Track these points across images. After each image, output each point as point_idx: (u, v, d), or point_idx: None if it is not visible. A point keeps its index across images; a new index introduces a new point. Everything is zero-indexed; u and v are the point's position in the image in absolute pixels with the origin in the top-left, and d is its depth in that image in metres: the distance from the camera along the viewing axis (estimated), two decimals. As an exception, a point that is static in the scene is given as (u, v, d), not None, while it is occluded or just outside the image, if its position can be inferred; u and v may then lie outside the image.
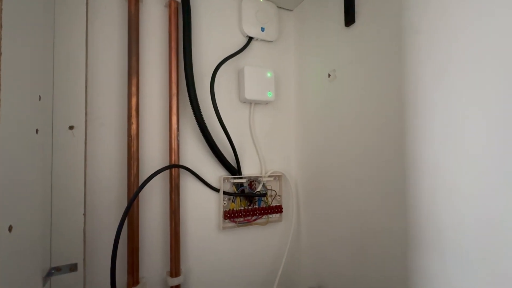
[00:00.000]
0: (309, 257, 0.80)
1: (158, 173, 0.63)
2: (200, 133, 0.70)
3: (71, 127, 0.58)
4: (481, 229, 0.39)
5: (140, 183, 0.61)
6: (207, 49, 0.76)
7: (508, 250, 0.36)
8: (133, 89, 0.63)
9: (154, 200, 0.68)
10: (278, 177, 0.83)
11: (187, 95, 0.68)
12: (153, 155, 0.68)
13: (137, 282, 0.62)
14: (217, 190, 0.75)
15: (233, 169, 0.76)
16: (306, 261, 0.81)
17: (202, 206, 0.74)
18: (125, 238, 0.62)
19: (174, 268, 0.66)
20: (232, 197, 0.76)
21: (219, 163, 0.75)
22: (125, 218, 0.56)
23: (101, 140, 0.63)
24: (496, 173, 0.38)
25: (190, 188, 0.72)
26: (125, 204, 0.63)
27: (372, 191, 0.58)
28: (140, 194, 0.65)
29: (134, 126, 0.62)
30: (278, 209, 0.81)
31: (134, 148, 0.62)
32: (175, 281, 0.65)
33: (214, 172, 0.75)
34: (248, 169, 0.80)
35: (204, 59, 0.75)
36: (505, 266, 0.37)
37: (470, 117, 0.41)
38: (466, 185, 0.41)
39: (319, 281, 0.75)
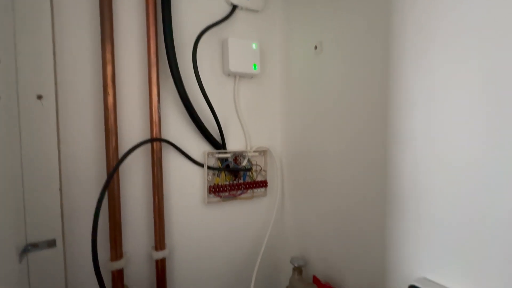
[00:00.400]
0: (293, 229, 0.83)
1: (139, 147, 0.60)
2: (183, 106, 0.68)
3: (39, 97, 0.54)
4: (454, 199, 0.42)
5: (119, 157, 0.59)
6: (188, 17, 0.71)
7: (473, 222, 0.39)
8: (108, 56, 0.58)
9: (135, 175, 0.66)
10: (263, 152, 0.83)
11: (168, 66, 0.65)
12: (132, 129, 0.65)
13: (120, 256, 0.61)
14: (201, 165, 0.73)
15: (218, 144, 0.74)
16: (290, 234, 0.84)
17: (186, 181, 0.73)
18: (107, 213, 0.60)
19: (159, 242, 0.66)
20: (217, 172, 0.75)
21: (203, 138, 0.73)
22: (105, 192, 0.54)
23: (74, 111, 0.59)
24: (474, 145, 0.39)
25: (173, 163, 0.71)
26: (104, 179, 0.61)
27: (355, 165, 0.59)
28: (121, 169, 0.63)
29: (110, 97, 0.59)
30: (263, 184, 0.81)
31: (111, 121, 0.59)
32: (160, 254, 0.65)
33: (198, 147, 0.74)
34: (233, 144, 0.79)
35: (185, 28, 0.71)
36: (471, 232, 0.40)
37: (453, 86, 0.42)
38: (445, 156, 0.43)
39: (302, 251, 0.78)
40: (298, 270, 0.72)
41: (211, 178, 0.75)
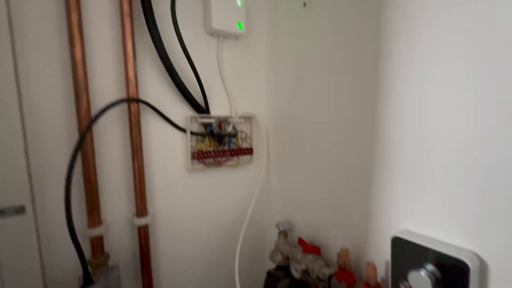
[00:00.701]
0: (279, 196, 0.83)
1: (113, 106, 0.55)
2: (162, 65, 0.62)
3: (-8, 44, 0.47)
4: (432, 151, 0.42)
5: (92, 117, 0.54)
6: (165, -36, 0.64)
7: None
8: (72, 1, 0.51)
9: (112, 138, 0.61)
10: (248, 118, 0.80)
11: (144, 18, 0.58)
12: (106, 87, 0.59)
13: (99, 223, 0.58)
14: (183, 130, 0.70)
15: (201, 108, 0.71)
16: (275, 200, 0.84)
17: (168, 146, 0.69)
18: (82, 177, 0.56)
19: (140, 208, 0.63)
20: (200, 137, 0.72)
21: (185, 101, 0.69)
22: (77, 153, 0.49)
23: (38, 63, 0.52)
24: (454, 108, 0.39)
25: (153, 127, 0.66)
26: (77, 140, 0.56)
27: (342, 127, 0.58)
28: (96, 131, 0.58)
29: (78, 49, 0.52)
30: (249, 151, 0.79)
31: (81, 76, 0.53)
32: (142, 221, 0.63)
33: (179, 111, 0.69)
34: (217, 109, 0.75)
35: (162, -24, 0.64)
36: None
37: (439, 46, 0.40)
38: (428, 117, 0.42)
39: (288, 217, 0.79)
40: (283, 234, 0.73)
41: (194, 144, 0.72)
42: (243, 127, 0.80)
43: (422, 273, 0.40)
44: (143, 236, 0.64)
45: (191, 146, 0.70)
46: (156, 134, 0.67)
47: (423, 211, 0.44)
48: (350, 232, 0.58)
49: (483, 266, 0.37)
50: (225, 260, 0.81)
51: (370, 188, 0.53)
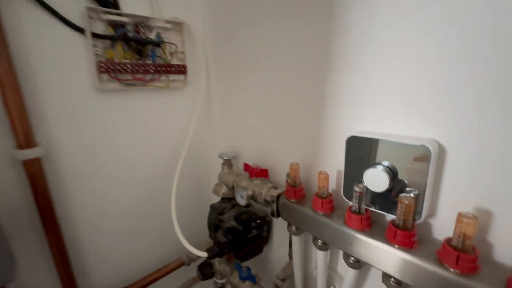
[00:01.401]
0: (222, 123, 0.71)
1: None
2: None
3: None
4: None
5: None
6: None
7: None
8: None
9: None
10: (178, 26, 0.62)
11: None
12: None
13: None
14: (80, 31, 0.50)
15: (105, 0, 0.50)
16: (218, 128, 0.73)
17: (59, 53, 0.49)
18: None
19: (23, 137, 0.45)
20: (108, 42, 0.53)
21: (76, -17, 0.47)
22: None
23: None
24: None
25: (31, 23, 0.45)
26: None
27: (295, 34, 0.47)
28: None
29: None
30: (181, 69, 0.63)
31: None
32: (27, 153, 0.45)
33: (71, 2, 0.48)
34: (132, 6, 0.55)
35: None
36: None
37: None
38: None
39: (233, 145, 0.69)
40: (227, 163, 0.64)
41: (100, 51, 0.52)
42: (172, 38, 0.62)
43: (379, 168, 0.35)
44: (35, 173, 0.47)
45: (95, 53, 0.51)
46: (38, 34, 0.46)
47: (378, 109, 0.38)
48: (301, 150, 0.52)
49: (441, 151, 0.33)
50: (162, 201, 0.70)
51: (323, 96, 0.45)
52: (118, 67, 0.53)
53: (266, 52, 0.53)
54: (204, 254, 0.53)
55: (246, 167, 0.58)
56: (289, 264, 0.58)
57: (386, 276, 0.37)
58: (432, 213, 0.35)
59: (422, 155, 0.32)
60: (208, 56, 0.68)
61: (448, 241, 0.31)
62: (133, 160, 0.63)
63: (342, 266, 0.50)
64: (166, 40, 0.61)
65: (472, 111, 0.30)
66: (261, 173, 0.55)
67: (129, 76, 0.56)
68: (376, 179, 0.35)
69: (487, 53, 0.28)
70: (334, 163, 0.46)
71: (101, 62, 0.51)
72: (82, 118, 0.54)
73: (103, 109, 0.56)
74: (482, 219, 0.31)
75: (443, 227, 0.35)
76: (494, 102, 0.29)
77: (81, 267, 0.59)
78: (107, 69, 0.52)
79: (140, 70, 0.56)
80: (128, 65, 0.54)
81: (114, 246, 0.64)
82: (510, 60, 0.27)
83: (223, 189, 0.64)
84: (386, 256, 0.35)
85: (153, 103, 0.63)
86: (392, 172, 0.35)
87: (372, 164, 0.37)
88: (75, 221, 0.57)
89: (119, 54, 0.54)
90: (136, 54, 0.57)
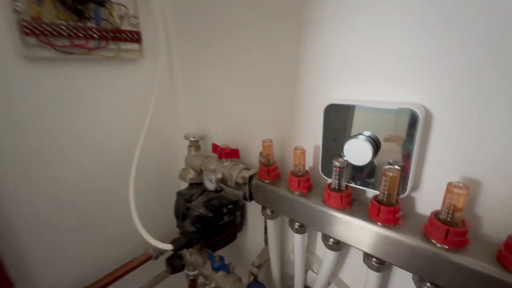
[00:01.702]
0: (187, 101, 0.64)
1: None
2: None
3: None
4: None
5: None
6: None
7: None
8: None
9: None
10: (127, -17, 0.52)
11: None
12: None
13: None
14: (-9, -23, 0.38)
15: None
16: (183, 107, 0.65)
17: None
18: None
19: None
20: (33, -3, 0.42)
21: None
22: None
23: None
24: None
25: None
26: None
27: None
28: None
29: None
30: (134, 36, 0.54)
31: None
32: None
33: None
34: (63, -48, 0.45)
35: None
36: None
37: None
38: None
39: (201, 125, 0.62)
40: (194, 145, 0.57)
41: (22, 7, 0.41)
42: (120, -2, 0.52)
43: (361, 138, 0.31)
44: None
45: (16, 9, 0.40)
46: None
47: (359, 74, 0.34)
48: (275, 126, 0.47)
49: (428, 116, 0.30)
50: (121, 192, 0.61)
51: (297, 61, 0.40)
52: (49, 29, 0.43)
53: (237, 16, 0.46)
54: (168, 247, 0.47)
55: (215, 147, 0.51)
56: (265, 250, 0.54)
57: (367, 256, 0.34)
58: (416, 186, 0.32)
59: (408, 121, 0.29)
60: (168, 22, 0.59)
61: (436, 214, 0.28)
62: (81, 145, 0.53)
63: (320, 249, 0.47)
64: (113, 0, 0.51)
65: (461, 72, 0.27)
66: (231, 154, 0.49)
67: (66, 42, 0.46)
68: (358, 151, 0.31)
69: (475, 12, 0.25)
70: (311, 138, 0.42)
71: (24, 20, 0.41)
72: (5, 94, 0.43)
73: (35, 82, 0.46)
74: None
75: (427, 200, 0.32)
76: (484, 62, 0.25)
77: (22, 273, 0.50)
78: (34, 30, 0.42)
79: (80, 35, 0.46)
80: (63, 27, 0.44)
81: (65, 246, 0.56)
82: (499, 20, 0.24)
83: (191, 174, 0.57)
84: (369, 235, 0.31)
85: (102, 76, 0.53)
86: (376, 143, 0.31)
87: (353, 135, 0.33)
88: (13, 221, 0.47)
89: (50, 12, 0.43)
90: (74, 15, 0.46)
